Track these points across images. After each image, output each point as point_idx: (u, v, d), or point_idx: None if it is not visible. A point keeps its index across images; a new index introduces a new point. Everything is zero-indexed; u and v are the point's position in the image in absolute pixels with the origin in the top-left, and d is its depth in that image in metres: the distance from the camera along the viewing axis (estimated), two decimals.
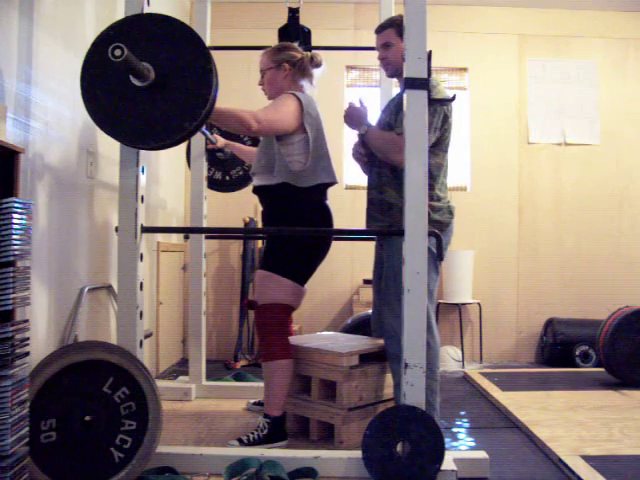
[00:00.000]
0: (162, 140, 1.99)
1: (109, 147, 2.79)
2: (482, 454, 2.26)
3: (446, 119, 2.51)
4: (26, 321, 1.67)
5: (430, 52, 2.13)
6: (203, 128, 2.90)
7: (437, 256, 2.41)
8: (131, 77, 1.96)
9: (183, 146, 3.48)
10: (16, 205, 1.59)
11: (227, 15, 4.61)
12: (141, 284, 2.20)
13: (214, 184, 3.45)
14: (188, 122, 1.97)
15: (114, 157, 2.27)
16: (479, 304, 4.69)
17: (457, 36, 4.85)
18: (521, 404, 3.18)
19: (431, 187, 2.49)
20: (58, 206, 2.50)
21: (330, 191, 2.66)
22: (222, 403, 3.12)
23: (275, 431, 2.45)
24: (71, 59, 2.53)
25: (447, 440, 2.54)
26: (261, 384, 2.77)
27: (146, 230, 2.23)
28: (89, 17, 2.83)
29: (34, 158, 2.28)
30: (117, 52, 1.77)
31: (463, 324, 4.64)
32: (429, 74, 2.12)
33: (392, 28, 2.60)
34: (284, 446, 2.44)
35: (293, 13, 3.11)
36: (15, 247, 1.58)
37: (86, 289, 2.69)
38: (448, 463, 2.09)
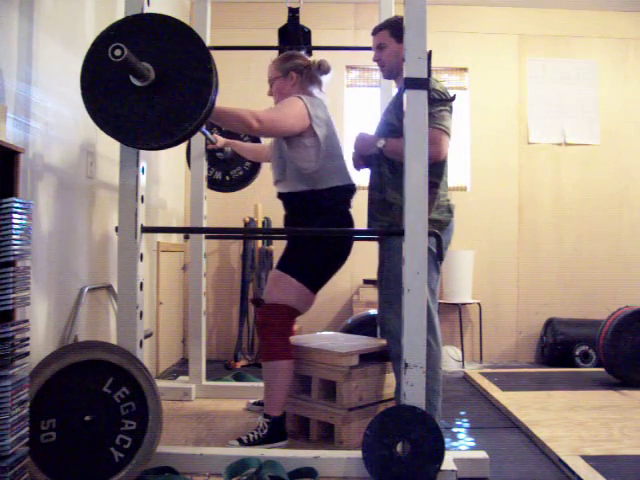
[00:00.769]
0: (162, 140, 1.99)
1: (109, 147, 2.79)
2: (482, 454, 2.26)
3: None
4: (26, 321, 1.67)
5: (430, 52, 2.12)
6: (203, 128, 2.90)
7: (437, 256, 2.41)
8: (131, 77, 1.96)
9: (183, 146, 3.48)
10: (16, 205, 1.59)
11: (227, 15, 4.60)
12: (141, 284, 2.20)
13: (214, 184, 3.45)
14: (188, 122, 1.97)
15: (114, 157, 2.27)
16: (479, 304, 4.69)
17: (457, 36, 4.84)
18: (521, 404, 3.17)
19: (437, 185, 2.49)
20: (58, 206, 2.50)
21: None
22: (222, 403, 3.13)
23: (275, 431, 2.45)
24: (71, 59, 2.53)
25: (447, 440, 2.53)
26: (261, 384, 2.76)
27: (146, 230, 2.23)
28: (89, 17, 2.83)
29: (34, 158, 2.28)
30: (117, 52, 1.78)
31: (463, 324, 4.64)
32: (429, 74, 2.12)
33: (386, 30, 2.59)
34: (284, 446, 2.44)
35: (293, 13, 3.12)
36: (15, 247, 1.58)
37: (86, 289, 2.69)
38: (448, 463, 2.09)
